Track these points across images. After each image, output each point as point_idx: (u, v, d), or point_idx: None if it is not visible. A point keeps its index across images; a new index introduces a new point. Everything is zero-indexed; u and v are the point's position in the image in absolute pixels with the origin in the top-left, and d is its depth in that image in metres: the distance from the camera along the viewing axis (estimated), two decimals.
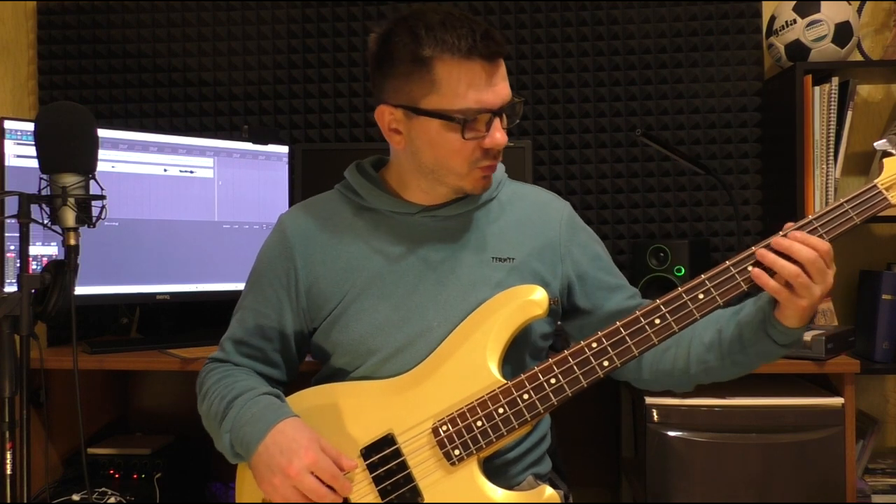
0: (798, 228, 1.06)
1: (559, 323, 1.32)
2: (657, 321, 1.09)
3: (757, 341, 1.12)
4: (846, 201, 1.07)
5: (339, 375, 1.23)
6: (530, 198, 1.31)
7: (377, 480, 1.11)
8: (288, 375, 1.29)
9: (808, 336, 1.66)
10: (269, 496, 1.08)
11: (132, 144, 1.92)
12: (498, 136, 1.13)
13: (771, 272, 1.05)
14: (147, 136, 1.95)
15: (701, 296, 1.08)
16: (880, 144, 1.61)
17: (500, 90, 1.12)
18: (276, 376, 1.27)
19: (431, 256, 1.22)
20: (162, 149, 1.96)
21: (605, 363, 1.09)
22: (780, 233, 1.06)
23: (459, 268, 1.21)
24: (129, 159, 1.92)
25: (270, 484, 1.08)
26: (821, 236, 1.05)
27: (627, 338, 1.09)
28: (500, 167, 1.32)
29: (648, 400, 1.64)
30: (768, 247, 1.06)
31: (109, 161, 1.88)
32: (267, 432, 1.10)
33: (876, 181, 1.07)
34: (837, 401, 1.62)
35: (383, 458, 1.11)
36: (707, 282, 1.08)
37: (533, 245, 1.25)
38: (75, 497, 1.73)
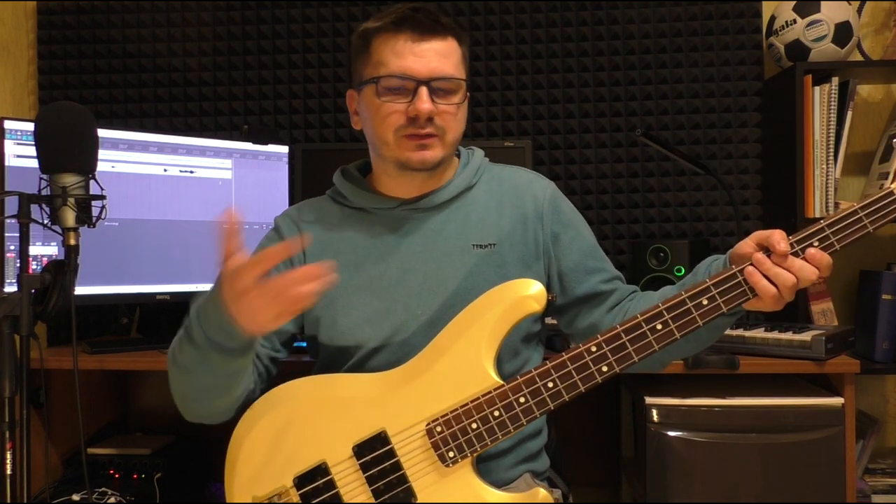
0: (810, 235, 1.03)
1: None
2: (659, 327, 1.05)
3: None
4: (860, 207, 1.01)
5: (332, 369, 1.24)
6: (510, 180, 1.31)
7: (370, 480, 1.10)
8: (266, 370, 1.26)
9: (808, 336, 1.67)
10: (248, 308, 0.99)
11: (132, 144, 1.92)
12: (418, 103, 1.16)
13: None
14: (147, 136, 1.95)
15: (705, 302, 1.04)
16: None
17: (427, 62, 1.17)
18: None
19: (413, 249, 1.24)
20: (162, 149, 1.96)
21: (605, 368, 1.06)
22: (792, 239, 1.03)
23: (440, 258, 1.23)
24: (129, 159, 1.92)
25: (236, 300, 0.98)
26: (832, 244, 1.02)
27: (627, 343, 1.06)
28: (479, 153, 1.33)
29: (648, 400, 1.64)
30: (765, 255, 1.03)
31: (109, 161, 1.88)
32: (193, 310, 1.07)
33: (892, 186, 1.01)
34: (837, 401, 1.62)
35: (377, 457, 1.11)
36: (712, 287, 1.04)
37: (513, 227, 1.26)
38: (75, 497, 1.73)
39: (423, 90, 1.16)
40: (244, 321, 1.00)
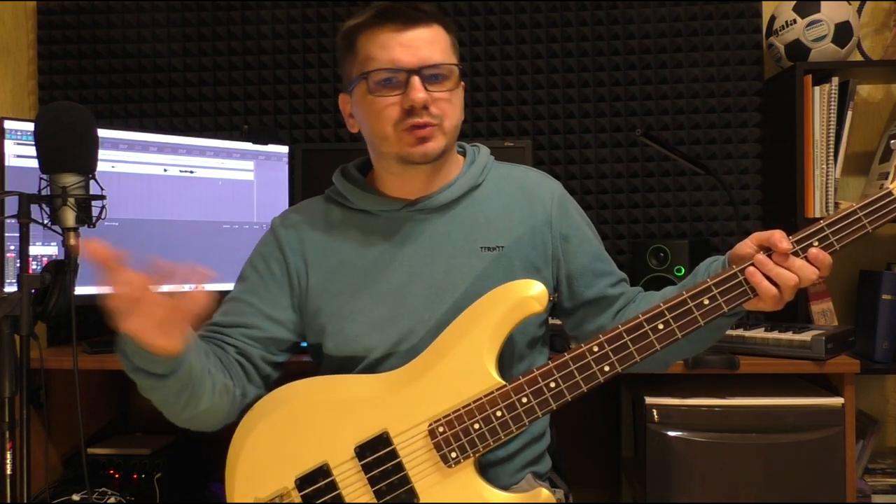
0: (809, 235, 1.03)
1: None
2: (660, 326, 1.06)
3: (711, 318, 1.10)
4: (859, 207, 1.02)
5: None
6: (518, 180, 1.30)
7: (372, 481, 1.10)
8: (256, 369, 1.23)
9: (808, 336, 1.67)
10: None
11: (132, 144, 1.92)
12: (412, 93, 1.14)
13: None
14: (147, 136, 1.95)
15: (706, 301, 1.05)
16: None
17: (416, 51, 1.15)
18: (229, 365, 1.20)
19: (419, 251, 1.22)
20: (162, 149, 1.96)
21: (607, 368, 1.07)
22: (791, 239, 1.04)
23: (448, 260, 1.21)
24: (129, 159, 1.92)
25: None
26: (831, 243, 1.02)
27: (629, 343, 1.06)
28: (485, 150, 1.32)
29: (648, 400, 1.64)
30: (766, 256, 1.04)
31: (109, 161, 1.88)
32: None
33: (890, 186, 1.02)
34: (837, 401, 1.62)
35: (379, 458, 1.10)
36: (713, 287, 1.05)
37: (522, 230, 1.24)
38: (75, 497, 1.73)
39: (415, 79, 1.14)
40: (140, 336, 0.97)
